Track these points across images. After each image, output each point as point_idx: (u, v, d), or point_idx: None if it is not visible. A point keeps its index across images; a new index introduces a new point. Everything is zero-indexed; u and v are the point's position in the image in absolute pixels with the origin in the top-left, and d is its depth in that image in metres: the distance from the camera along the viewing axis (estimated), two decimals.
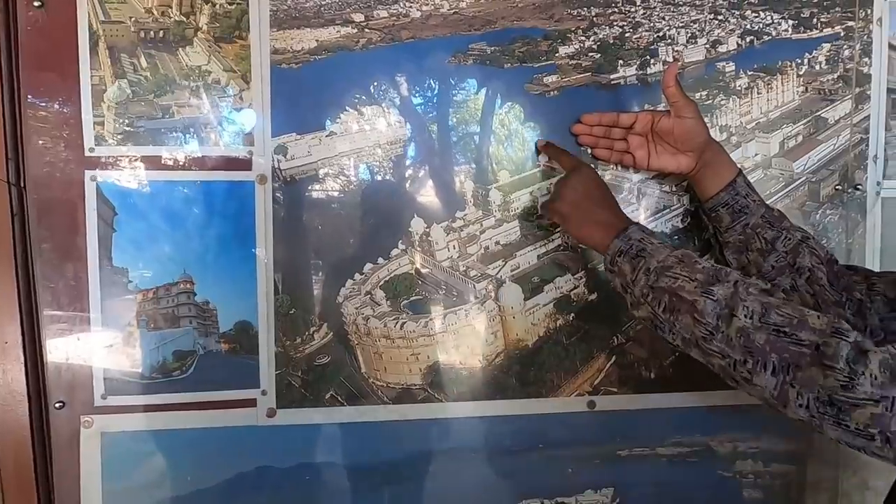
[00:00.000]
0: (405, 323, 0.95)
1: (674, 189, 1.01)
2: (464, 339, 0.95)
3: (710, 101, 1.03)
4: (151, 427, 0.91)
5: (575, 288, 0.99)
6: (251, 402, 0.92)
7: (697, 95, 1.00)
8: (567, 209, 0.85)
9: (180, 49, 0.89)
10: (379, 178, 0.95)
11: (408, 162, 0.96)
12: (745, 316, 0.66)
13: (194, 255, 0.91)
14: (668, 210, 1.01)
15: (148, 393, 0.91)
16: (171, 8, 0.89)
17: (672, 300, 0.71)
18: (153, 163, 0.89)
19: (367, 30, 0.93)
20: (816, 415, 0.60)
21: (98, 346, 0.90)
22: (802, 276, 0.87)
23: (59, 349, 0.88)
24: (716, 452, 1.02)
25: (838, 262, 0.90)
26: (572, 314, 0.98)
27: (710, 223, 0.95)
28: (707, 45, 1.01)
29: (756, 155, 1.04)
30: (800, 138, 1.05)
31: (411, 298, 0.94)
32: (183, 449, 0.92)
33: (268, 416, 0.92)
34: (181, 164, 0.90)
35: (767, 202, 0.92)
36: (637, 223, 0.82)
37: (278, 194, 0.91)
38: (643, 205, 1.00)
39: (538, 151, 0.97)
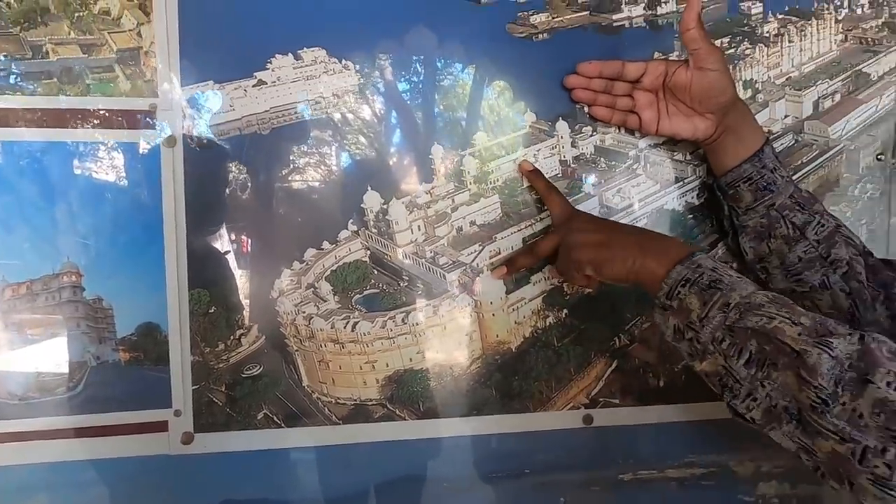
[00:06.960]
0: (358, 323, 0.77)
1: (688, 158, 0.85)
2: (431, 342, 0.79)
3: (733, 51, 0.86)
4: (35, 460, 0.73)
5: None
6: (161, 426, 0.75)
7: (717, 43, 0.82)
8: (592, 253, 0.68)
9: None
10: (325, 139, 0.76)
11: (360, 119, 0.77)
12: (889, 384, 0.48)
13: (80, 240, 0.72)
14: (680, 183, 0.85)
15: (27, 416, 0.73)
16: None
17: (763, 348, 0.54)
18: (23, 117, 0.70)
19: None
20: None
21: None
22: (838, 270, 0.73)
23: None
24: (735, 474, 0.87)
25: (873, 254, 0.75)
26: (565, 310, 0.82)
27: (725, 202, 0.79)
28: None
29: (786, 117, 0.88)
30: (837, 97, 0.89)
31: (365, 292, 0.78)
32: (76, 487, 0.73)
33: (183, 443, 0.75)
34: (62, 120, 0.71)
35: (798, 173, 0.79)
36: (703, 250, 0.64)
37: (192, 161, 0.73)
38: (650, 176, 0.84)
39: (521, 174, 0.80)
